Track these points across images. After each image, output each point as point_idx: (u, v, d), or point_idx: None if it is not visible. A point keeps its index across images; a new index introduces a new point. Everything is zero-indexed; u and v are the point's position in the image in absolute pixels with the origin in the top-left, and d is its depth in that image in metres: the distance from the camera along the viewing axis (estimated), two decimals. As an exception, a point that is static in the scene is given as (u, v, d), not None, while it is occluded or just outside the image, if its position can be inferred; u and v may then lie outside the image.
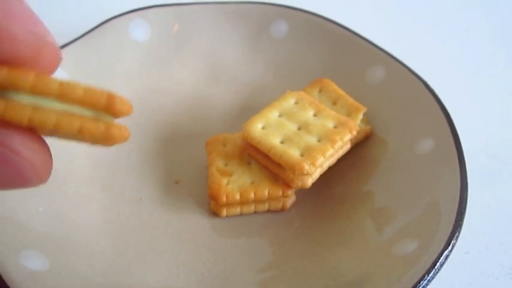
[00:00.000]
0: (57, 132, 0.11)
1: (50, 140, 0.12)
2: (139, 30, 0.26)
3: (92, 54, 0.24)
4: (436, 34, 0.33)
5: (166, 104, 0.25)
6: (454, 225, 0.16)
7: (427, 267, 0.15)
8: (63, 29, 0.28)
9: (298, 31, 0.27)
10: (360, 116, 0.22)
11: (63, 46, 0.23)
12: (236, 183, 0.20)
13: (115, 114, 0.11)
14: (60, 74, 0.22)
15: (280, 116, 0.21)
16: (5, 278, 0.14)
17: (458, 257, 0.20)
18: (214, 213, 0.21)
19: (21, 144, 0.11)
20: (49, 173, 0.12)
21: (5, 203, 0.16)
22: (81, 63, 0.23)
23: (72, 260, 0.17)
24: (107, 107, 0.11)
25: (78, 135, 0.11)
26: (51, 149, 0.12)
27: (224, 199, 0.20)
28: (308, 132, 0.20)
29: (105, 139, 0.11)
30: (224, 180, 0.20)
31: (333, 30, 0.26)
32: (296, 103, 0.21)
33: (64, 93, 0.11)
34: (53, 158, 0.12)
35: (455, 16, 0.35)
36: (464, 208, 0.17)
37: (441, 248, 0.15)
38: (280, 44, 0.26)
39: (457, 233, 0.16)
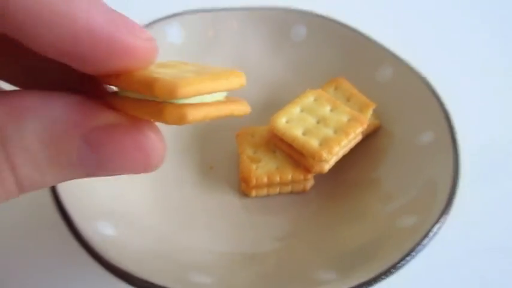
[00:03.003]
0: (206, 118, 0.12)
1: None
2: (175, 33, 0.29)
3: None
4: (441, 36, 0.36)
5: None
6: (446, 203, 0.20)
7: (422, 236, 0.18)
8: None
9: (316, 34, 0.30)
10: (370, 112, 0.25)
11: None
12: (264, 169, 0.24)
13: (234, 89, 0.13)
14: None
15: (301, 111, 0.24)
16: (87, 240, 0.18)
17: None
18: (245, 194, 0.24)
19: (151, 130, 0.13)
20: (163, 159, 0.13)
21: (84, 188, 0.20)
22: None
23: (131, 230, 0.20)
24: (239, 87, 0.13)
25: (216, 118, 0.13)
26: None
27: (254, 181, 0.23)
28: (326, 125, 0.23)
29: (232, 115, 0.13)
30: (254, 166, 0.24)
31: (346, 33, 0.29)
32: (315, 100, 0.25)
33: (214, 88, 0.13)
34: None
35: (459, 18, 0.38)
36: (455, 189, 0.20)
37: (435, 220, 0.19)
38: (300, 46, 0.30)
39: (449, 209, 0.20)
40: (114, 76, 0.12)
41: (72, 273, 0.22)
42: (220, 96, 0.13)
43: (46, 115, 0.12)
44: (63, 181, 0.13)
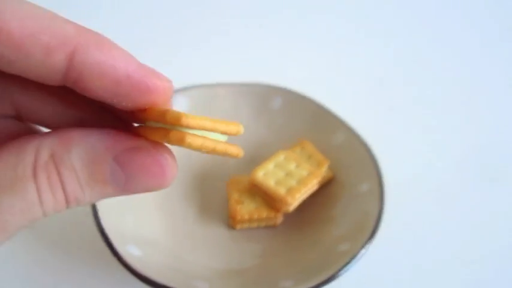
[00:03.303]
0: (202, 148, 0.15)
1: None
2: (183, 102, 0.38)
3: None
4: (382, 107, 0.46)
5: (198, 155, 0.37)
6: (370, 234, 0.29)
7: (350, 258, 0.27)
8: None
9: (289, 105, 0.39)
10: (325, 167, 0.35)
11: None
12: (246, 208, 0.33)
13: (231, 134, 0.16)
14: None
15: (274, 166, 0.33)
16: (123, 259, 0.26)
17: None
18: (232, 227, 0.33)
19: (167, 153, 0.16)
20: (175, 177, 0.16)
21: (119, 219, 0.29)
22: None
23: (151, 251, 0.29)
24: (236, 133, 0.16)
25: (212, 151, 0.16)
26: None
27: (238, 217, 0.32)
28: (291, 177, 0.33)
29: (235, 157, 0.16)
30: (238, 206, 0.33)
31: (311, 105, 0.38)
32: (284, 158, 0.34)
33: (214, 128, 0.16)
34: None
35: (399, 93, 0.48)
36: (379, 224, 0.29)
37: (360, 247, 0.28)
38: (277, 114, 0.39)
39: (372, 239, 0.28)
40: (142, 110, 0.16)
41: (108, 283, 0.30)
42: (221, 137, 0.16)
43: (86, 142, 0.15)
44: (100, 198, 0.16)
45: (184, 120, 0.15)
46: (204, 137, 0.15)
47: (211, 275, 0.29)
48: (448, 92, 0.49)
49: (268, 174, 0.33)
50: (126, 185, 0.16)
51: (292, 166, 0.33)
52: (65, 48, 0.14)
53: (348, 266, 0.27)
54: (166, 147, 0.17)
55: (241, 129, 0.17)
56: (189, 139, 0.15)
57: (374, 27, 0.58)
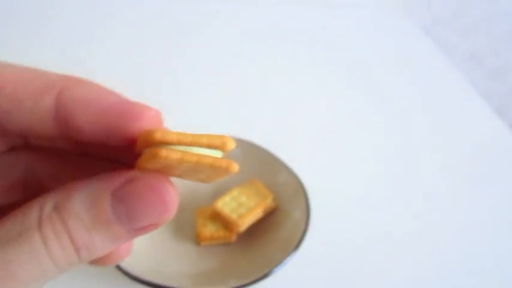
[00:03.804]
0: (198, 165, 0.15)
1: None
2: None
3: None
4: (316, 152, 0.58)
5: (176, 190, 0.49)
6: (295, 246, 0.40)
7: (278, 263, 0.39)
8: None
9: (246, 152, 0.51)
10: (269, 199, 0.46)
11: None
12: (209, 230, 0.44)
13: (226, 150, 0.16)
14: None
15: (230, 199, 0.45)
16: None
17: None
18: (198, 244, 0.44)
19: (166, 181, 0.16)
20: (176, 206, 0.16)
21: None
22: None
23: (138, 258, 0.40)
24: (222, 145, 0.16)
25: (196, 164, 0.15)
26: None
27: (203, 236, 0.43)
28: (242, 207, 0.44)
29: (226, 170, 0.16)
30: (203, 229, 0.44)
31: (261, 152, 0.50)
32: (238, 193, 0.46)
33: (194, 141, 0.15)
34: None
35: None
36: (303, 239, 0.41)
37: (288, 254, 0.39)
38: (236, 160, 0.51)
39: (297, 249, 0.40)
40: (134, 143, 0.16)
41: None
42: (216, 153, 0.16)
43: (87, 187, 0.16)
44: (112, 243, 0.16)
45: (159, 135, 0.15)
46: (186, 151, 0.15)
47: (183, 277, 0.40)
48: (374, 142, 0.62)
49: (225, 205, 0.44)
50: (130, 221, 0.16)
51: (243, 198, 0.45)
52: (52, 91, 0.15)
53: (277, 269, 0.39)
54: (162, 174, 0.16)
55: (228, 141, 0.16)
56: (165, 152, 0.14)
57: (310, 87, 0.71)
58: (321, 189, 0.48)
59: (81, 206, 0.15)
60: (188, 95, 0.66)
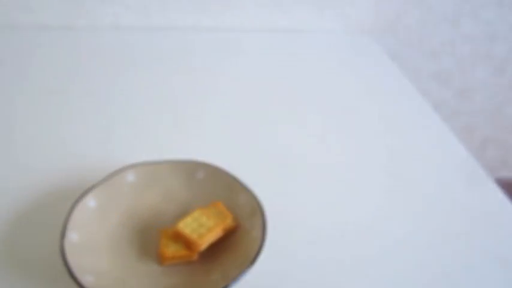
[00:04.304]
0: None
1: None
2: (131, 175, 0.53)
3: (108, 190, 0.51)
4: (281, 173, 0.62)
5: (143, 213, 0.52)
6: (251, 261, 0.43)
7: (236, 277, 0.41)
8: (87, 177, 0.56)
9: (210, 175, 0.54)
10: (230, 219, 0.49)
11: (91, 188, 0.51)
12: (171, 250, 0.47)
13: None
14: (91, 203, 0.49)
15: (192, 220, 0.48)
16: (82, 284, 0.40)
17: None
18: (160, 264, 0.47)
19: None
20: None
21: (75, 258, 0.43)
22: (108, 197, 0.50)
23: (102, 278, 0.43)
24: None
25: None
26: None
27: (164, 256, 0.46)
28: (202, 227, 0.47)
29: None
30: (165, 249, 0.47)
31: (224, 175, 0.54)
32: (200, 214, 0.49)
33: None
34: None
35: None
36: (259, 254, 0.44)
37: (243, 270, 0.42)
38: (201, 182, 0.54)
39: (253, 264, 0.43)
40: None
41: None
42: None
43: None
44: None
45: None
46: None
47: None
48: (334, 161, 0.65)
49: (186, 226, 0.47)
50: None
51: (204, 219, 0.48)
52: None
53: (232, 284, 0.41)
54: None
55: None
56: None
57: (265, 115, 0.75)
58: (279, 210, 0.52)
59: None
60: (159, 122, 0.70)
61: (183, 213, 0.52)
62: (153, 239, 0.50)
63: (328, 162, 0.65)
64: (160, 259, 0.47)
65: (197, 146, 0.65)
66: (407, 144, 0.70)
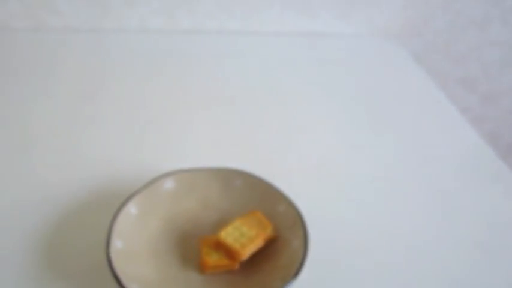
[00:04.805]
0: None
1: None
2: (170, 183, 0.53)
3: (149, 197, 0.51)
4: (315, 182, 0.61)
5: (182, 220, 0.52)
6: (294, 275, 0.43)
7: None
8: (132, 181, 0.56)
9: (247, 183, 0.54)
10: (269, 229, 0.49)
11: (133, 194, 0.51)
12: (213, 258, 0.47)
13: None
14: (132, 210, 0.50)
15: (233, 229, 0.48)
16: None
17: None
18: (202, 272, 0.47)
19: None
20: None
21: (121, 265, 0.43)
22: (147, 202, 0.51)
23: (147, 287, 0.43)
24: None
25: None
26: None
27: (206, 265, 0.46)
28: (244, 236, 0.47)
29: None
30: (207, 257, 0.47)
31: (262, 183, 0.54)
32: (241, 224, 0.49)
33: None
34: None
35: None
36: (302, 267, 0.43)
37: (288, 281, 0.42)
38: (239, 190, 0.54)
39: (297, 276, 0.43)
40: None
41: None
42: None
43: None
44: None
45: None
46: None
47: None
48: (368, 170, 0.65)
49: (228, 235, 0.47)
50: None
51: (245, 229, 0.48)
52: None
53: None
54: None
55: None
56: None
57: (309, 121, 0.74)
58: (319, 218, 0.52)
59: None
60: (191, 128, 0.70)
61: (221, 221, 0.53)
62: (193, 246, 0.50)
63: (362, 170, 0.65)
64: (202, 267, 0.47)
65: (230, 152, 0.65)
66: (438, 152, 0.70)
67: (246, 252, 0.46)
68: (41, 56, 0.84)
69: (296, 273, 0.43)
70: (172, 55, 0.89)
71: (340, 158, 0.67)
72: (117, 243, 0.45)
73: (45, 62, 0.83)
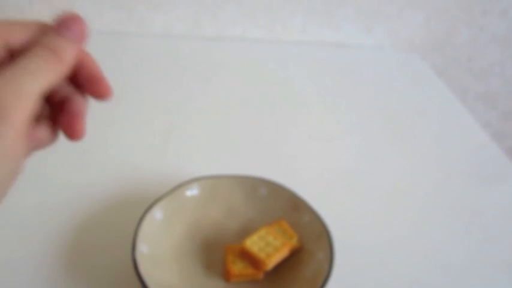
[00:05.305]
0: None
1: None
2: (195, 189, 0.53)
3: (173, 202, 0.51)
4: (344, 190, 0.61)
5: (206, 227, 0.52)
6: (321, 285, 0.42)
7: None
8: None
9: (272, 192, 0.54)
10: (295, 239, 0.49)
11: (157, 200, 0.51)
12: (237, 267, 0.46)
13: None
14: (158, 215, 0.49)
15: (258, 238, 0.48)
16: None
17: None
18: (226, 280, 0.47)
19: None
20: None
21: (147, 270, 0.43)
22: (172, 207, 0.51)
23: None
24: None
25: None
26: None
27: (231, 273, 0.46)
28: (269, 246, 0.47)
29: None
30: (232, 265, 0.47)
31: (287, 193, 0.53)
32: (266, 233, 0.48)
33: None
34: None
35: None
36: (328, 280, 0.43)
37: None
38: (263, 199, 0.54)
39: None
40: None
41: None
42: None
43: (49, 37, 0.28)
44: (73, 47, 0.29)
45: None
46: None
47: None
48: (392, 184, 0.64)
49: (253, 244, 0.47)
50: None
51: (270, 238, 0.48)
52: None
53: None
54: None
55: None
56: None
57: (334, 128, 0.74)
58: (340, 230, 0.51)
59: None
60: (213, 135, 0.70)
61: (245, 230, 0.52)
62: (216, 254, 0.50)
63: (384, 182, 0.64)
64: (226, 276, 0.47)
65: (252, 160, 0.65)
66: (460, 167, 0.69)
67: (271, 262, 0.46)
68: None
69: (321, 287, 0.43)
70: (196, 61, 0.89)
71: (361, 170, 0.66)
72: (142, 248, 0.45)
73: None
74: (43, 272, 0.47)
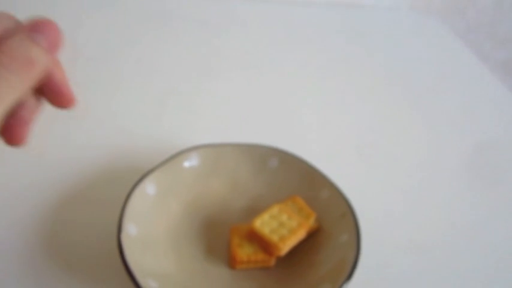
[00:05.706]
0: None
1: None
2: (194, 159, 0.45)
3: (169, 175, 0.43)
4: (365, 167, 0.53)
5: (207, 204, 0.44)
6: (347, 277, 0.35)
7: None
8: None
9: (284, 164, 0.46)
10: (313, 219, 0.41)
11: (150, 171, 0.43)
12: (245, 252, 0.39)
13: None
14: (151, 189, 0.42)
15: (269, 217, 0.40)
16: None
17: None
18: (232, 267, 0.39)
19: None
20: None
21: (135, 256, 0.35)
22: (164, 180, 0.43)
23: (166, 284, 0.35)
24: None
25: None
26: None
27: (238, 259, 0.38)
28: (283, 227, 0.39)
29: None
30: (238, 250, 0.39)
31: (303, 165, 0.45)
32: (279, 211, 0.41)
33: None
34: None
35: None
36: (355, 268, 0.36)
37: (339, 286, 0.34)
38: (274, 172, 0.46)
39: (348, 281, 0.35)
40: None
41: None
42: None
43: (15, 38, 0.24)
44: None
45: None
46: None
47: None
48: (417, 156, 0.56)
49: (264, 224, 0.39)
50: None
51: (284, 217, 0.40)
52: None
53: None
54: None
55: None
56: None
57: (356, 100, 0.66)
58: (361, 208, 0.43)
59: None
60: (217, 100, 0.62)
61: (254, 207, 0.45)
62: (220, 236, 0.42)
63: (406, 155, 0.56)
64: (231, 262, 0.39)
65: (260, 128, 0.57)
66: (491, 136, 0.61)
67: (286, 247, 0.38)
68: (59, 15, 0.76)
69: (349, 276, 0.35)
70: (197, 20, 0.80)
71: (381, 140, 0.58)
72: (130, 229, 0.38)
73: (64, 22, 0.74)
74: (22, 254, 0.39)
